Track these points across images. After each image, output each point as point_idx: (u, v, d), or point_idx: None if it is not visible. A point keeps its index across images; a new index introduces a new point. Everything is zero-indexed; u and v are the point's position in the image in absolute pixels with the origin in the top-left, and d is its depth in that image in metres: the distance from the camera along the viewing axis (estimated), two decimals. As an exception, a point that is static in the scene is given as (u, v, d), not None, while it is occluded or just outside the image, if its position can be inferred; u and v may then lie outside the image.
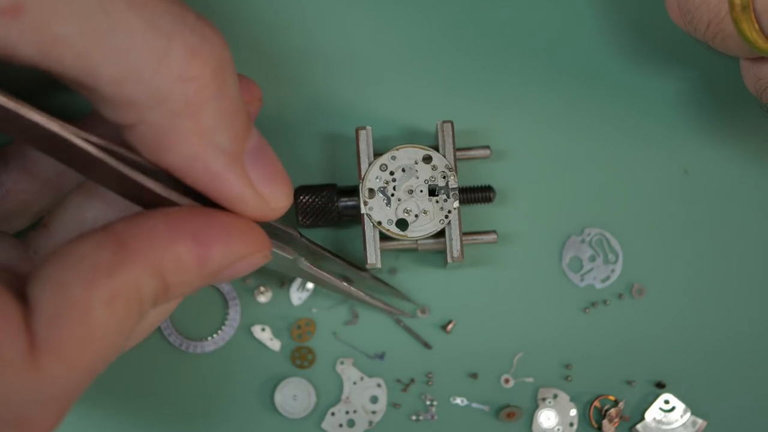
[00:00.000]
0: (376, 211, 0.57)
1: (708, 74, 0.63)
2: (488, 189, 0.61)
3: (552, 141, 0.63)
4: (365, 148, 0.57)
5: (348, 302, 0.63)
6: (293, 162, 0.63)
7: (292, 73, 0.62)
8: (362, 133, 0.57)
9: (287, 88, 0.63)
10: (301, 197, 0.60)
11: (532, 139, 0.63)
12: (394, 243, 0.59)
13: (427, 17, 0.62)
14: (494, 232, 0.60)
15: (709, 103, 0.63)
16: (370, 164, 0.57)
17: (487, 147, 0.60)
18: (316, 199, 0.59)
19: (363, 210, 0.57)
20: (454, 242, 0.57)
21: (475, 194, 0.60)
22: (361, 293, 0.59)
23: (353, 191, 0.60)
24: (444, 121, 0.57)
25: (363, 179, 0.57)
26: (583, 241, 0.63)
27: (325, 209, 0.59)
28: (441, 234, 0.58)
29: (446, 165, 0.57)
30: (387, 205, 0.57)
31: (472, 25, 0.63)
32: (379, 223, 0.57)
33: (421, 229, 0.57)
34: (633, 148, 0.63)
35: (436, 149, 0.57)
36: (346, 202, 0.59)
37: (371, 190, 0.57)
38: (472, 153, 0.60)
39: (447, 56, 0.62)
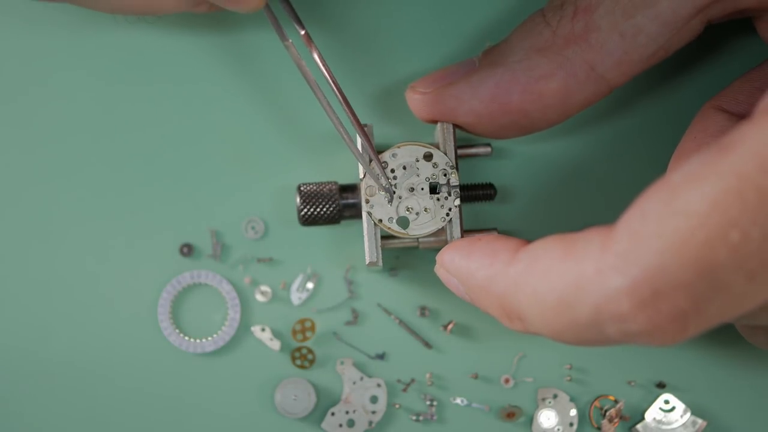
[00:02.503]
0: (377, 209, 0.57)
1: (707, 77, 0.63)
2: (489, 187, 0.61)
3: (553, 139, 0.63)
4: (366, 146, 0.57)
5: (348, 302, 0.63)
6: (294, 159, 0.63)
7: (292, 71, 0.63)
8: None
9: (288, 86, 0.63)
10: (302, 187, 0.60)
11: (534, 137, 0.63)
12: (395, 241, 0.59)
13: (430, 14, 0.63)
14: (495, 230, 0.60)
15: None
16: (371, 161, 0.57)
17: (488, 144, 0.60)
18: (317, 188, 0.59)
19: (364, 208, 0.57)
20: (455, 240, 0.57)
21: (476, 192, 0.61)
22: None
23: (354, 189, 0.60)
24: None
25: (364, 177, 0.57)
26: (583, 241, 0.63)
27: (326, 197, 0.59)
28: (442, 232, 0.58)
29: (447, 162, 0.57)
30: (388, 203, 0.57)
31: (475, 23, 0.63)
32: (380, 221, 0.57)
33: (422, 227, 0.57)
34: (634, 147, 0.63)
35: (437, 147, 0.57)
36: (347, 199, 0.59)
37: (372, 188, 0.57)
38: (473, 150, 0.60)
39: (449, 54, 0.62)
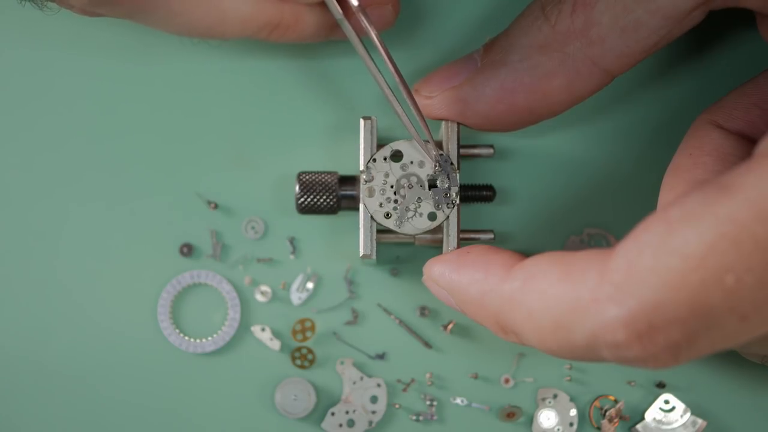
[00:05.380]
0: (375, 203, 0.57)
1: (706, 80, 0.64)
2: (488, 188, 0.61)
3: (555, 142, 0.63)
4: (368, 138, 0.57)
5: (348, 302, 0.63)
6: (297, 152, 0.63)
7: (298, 63, 0.63)
8: (366, 123, 0.57)
9: (293, 78, 0.63)
10: (302, 176, 0.60)
11: (534, 138, 0.63)
12: (391, 236, 0.59)
13: (438, 12, 0.63)
14: (491, 231, 0.60)
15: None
16: (372, 155, 0.57)
17: (491, 146, 0.60)
18: (317, 177, 0.60)
19: (361, 200, 0.57)
20: (451, 239, 0.57)
21: (473, 192, 0.61)
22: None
23: (353, 181, 0.60)
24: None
25: (363, 170, 0.57)
26: (582, 241, 0.63)
27: (325, 187, 0.59)
28: (439, 230, 0.58)
29: (448, 161, 0.57)
30: (386, 197, 0.57)
31: (479, 23, 0.63)
32: (377, 214, 0.57)
33: (419, 223, 0.57)
34: (633, 147, 0.63)
35: (441, 144, 0.57)
36: (345, 191, 0.60)
37: (371, 181, 0.57)
38: (476, 151, 0.60)
39: (455, 52, 0.63)
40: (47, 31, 0.63)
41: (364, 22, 0.54)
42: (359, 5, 0.53)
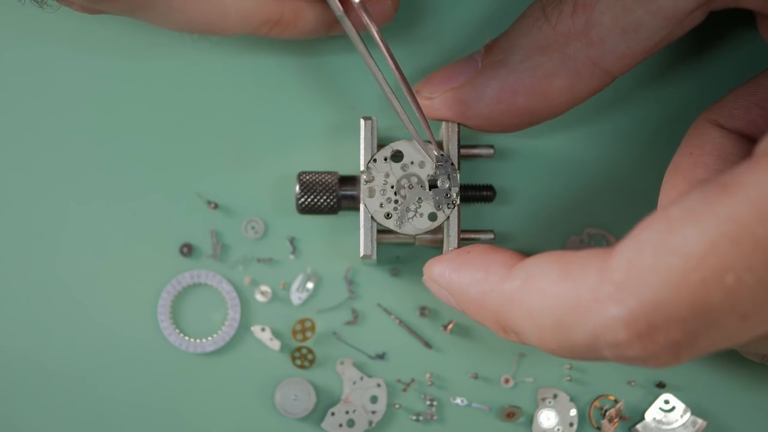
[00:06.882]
0: (375, 203, 0.57)
1: (706, 79, 0.64)
2: (488, 188, 0.61)
3: (555, 142, 0.63)
4: (369, 138, 0.57)
5: (348, 302, 0.63)
6: (297, 152, 0.63)
7: (299, 62, 0.63)
8: (367, 123, 0.57)
9: (294, 77, 0.63)
10: (302, 176, 0.60)
11: (534, 139, 0.63)
12: (391, 236, 0.59)
13: (439, 13, 0.63)
14: (491, 231, 0.60)
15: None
16: (372, 155, 0.57)
17: (491, 146, 0.60)
18: (317, 177, 0.60)
19: (362, 201, 0.57)
20: (451, 239, 0.57)
21: (474, 192, 0.61)
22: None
23: (354, 181, 0.60)
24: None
25: (364, 170, 0.57)
26: (582, 241, 0.63)
27: (325, 187, 0.59)
28: (439, 230, 0.58)
29: (448, 161, 0.57)
30: (386, 197, 0.57)
31: (479, 23, 0.63)
32: (377, 214, 0.57)
33: (419, 223, 0.57)
34: (633, 147, 0.63)
35: (441, 144, 0.57)
36: (345, 191, 0.60)
37: (371, 182, 0.57)
38: (476, 151, 0.60)
39: (456, 52, 0.63)
40: (47, 29, 0.63)
41: (365, 20, 0.53)
42: (360, 1, 0.53)
